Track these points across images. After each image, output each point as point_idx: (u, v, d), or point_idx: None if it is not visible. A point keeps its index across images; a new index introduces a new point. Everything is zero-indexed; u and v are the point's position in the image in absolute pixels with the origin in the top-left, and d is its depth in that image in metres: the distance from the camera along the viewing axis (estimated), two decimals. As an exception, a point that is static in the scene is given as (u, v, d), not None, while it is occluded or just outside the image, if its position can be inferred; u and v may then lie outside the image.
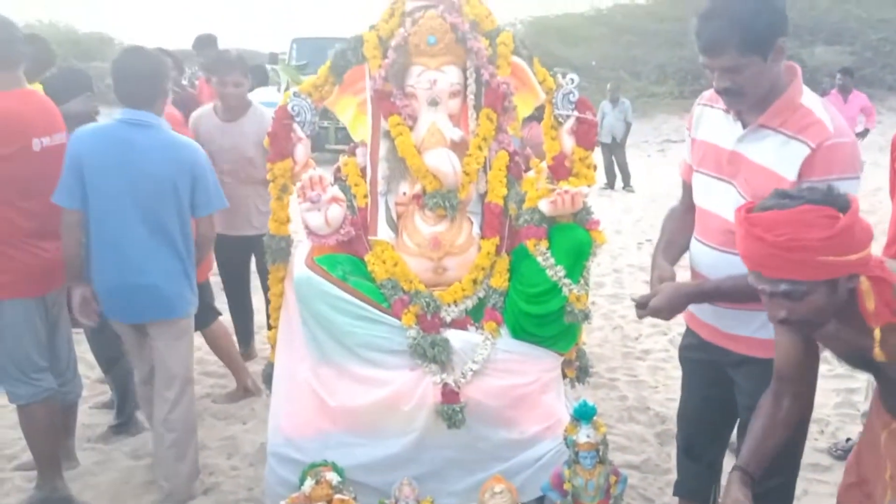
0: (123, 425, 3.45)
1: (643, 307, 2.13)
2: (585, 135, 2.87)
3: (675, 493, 2.63)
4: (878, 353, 1.52)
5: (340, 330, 2.64)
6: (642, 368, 4.30)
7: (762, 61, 1.87)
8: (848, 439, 3.37)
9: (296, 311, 2.74)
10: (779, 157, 1.93)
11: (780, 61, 1.93)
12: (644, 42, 19.04)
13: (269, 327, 3.03)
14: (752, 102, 1.96)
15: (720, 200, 2.08)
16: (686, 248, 2.30)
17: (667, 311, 2.09)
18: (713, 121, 2.13)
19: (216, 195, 2.87)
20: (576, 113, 2.87)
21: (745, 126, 2.01)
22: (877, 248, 1.61)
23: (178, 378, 2.88)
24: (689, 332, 2.38)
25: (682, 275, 2.24)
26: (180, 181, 2.73)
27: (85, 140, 2.67)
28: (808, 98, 1.97)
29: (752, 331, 2.09)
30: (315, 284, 2.62)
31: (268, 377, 3.06)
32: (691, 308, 2.30)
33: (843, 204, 1.48)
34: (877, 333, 1.51)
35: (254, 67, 5.66)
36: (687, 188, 2.29)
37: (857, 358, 1.66)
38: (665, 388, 3.99)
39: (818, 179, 1.83)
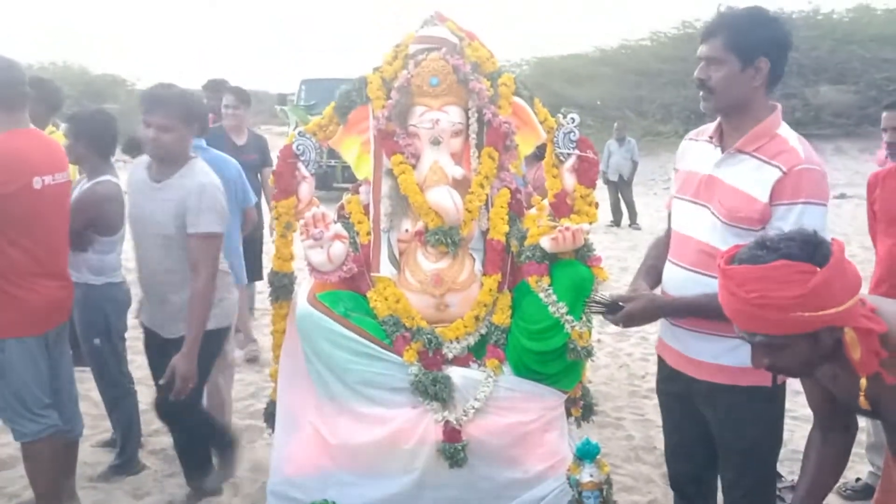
0: (125, 465, 3.42)
1: (615, 311, 2.12)
2: (586, 173, 2.91)
3: None
4: (862, 402, 1.51)
5: (341, 367, 2.64)
6: (649, 407, 4.25)
7: (739, 67, 1.99)
8: (858, 479, 3.31)
9: (299, 349, 2.74)
10: (752, 180, 2.00)
11: (756, 81, 2.02)
12: (648, 82, 19.27)
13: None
14: (724, 111, 2.06)
15: (695, 223, 2.14)
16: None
17: (639, 319, 2.12)
18: (695, 152, 2.22)
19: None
20: (577, 151, 2.90)
21: (723, 151, 2.10)
22: None
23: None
24: (660, 363, 2.37)
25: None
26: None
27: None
28: (785, 130, 2.07)
29: (715, 356, 2.09)
30: (317, 321, 2.63)
31: (269, 416, 3.05)
32: (660, 333, 2.31)
33: (822, 257, 1.42)
34: (862, 383, 1.49)
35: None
36: (669, 218, 2.35)
37: (853, 403, 1.64)
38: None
39: (788, 202, 1.93)
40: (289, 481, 2.63)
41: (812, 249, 1.43)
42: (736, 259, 1.50)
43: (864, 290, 1.55)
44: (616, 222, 10.81)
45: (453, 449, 2.57)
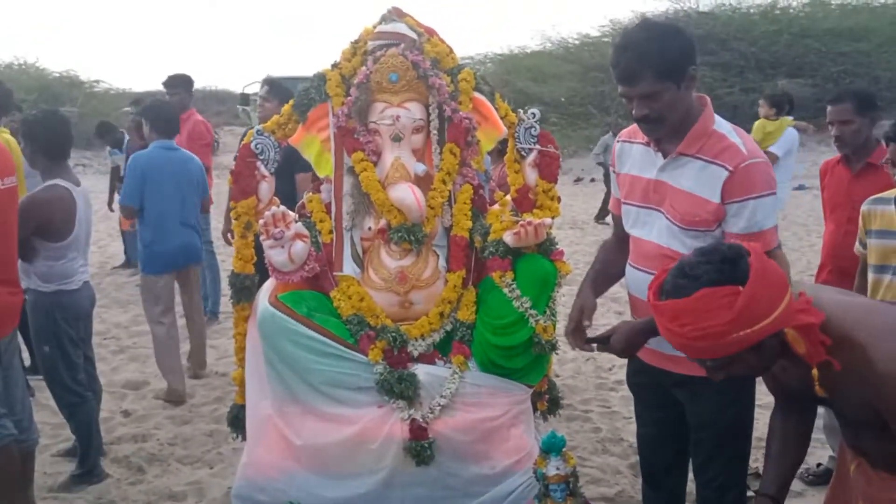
0: (86, 474, 3.34)
1: (604, 342, 2.14)
2: (548, 167, 2.92)
3: None
4: (818, 391, 1.53)
5: (305, 367, 2.61)
6: (616, 399, 4.29)
7: (676, 88, 1.98)
8: (819, 464, 3.38)
9: (260, 350, 2.70)
10: (700, 181, 2.03)
11: (692, 89, 2.03)
12: (611, 78, 19.38)
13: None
14: (670, 130, 2.05)
15: (650, 228, 2.16)
16: (616, 278, 2.39)
17: (626, 351, 2.13)
18: (634, 155, 2.22)
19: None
20: (538, 146, 2.91)
21: (664, 156, 2.10)
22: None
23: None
24: (632, 358, 2.36)
25: (607, 307, 2.26)
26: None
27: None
28: (720, 124, 2.08)
29: None
30: (279, 321, 2.60)
31: (233, 419, 3.01)
32: (633, 318, 2.32)
33: (741, 273, 1.42)
34: (814, 372, 1.52)
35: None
36: (618, 221, 2.37)
37: (811, 393, 1.67)
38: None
39: (740, 200, 1.97)
40: (254, 485, 2.59)
41: (730, 268, 1.43)
42: (663, 293, 1.50)
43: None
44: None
45: (420, 447, 2.55)
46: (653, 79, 1.95)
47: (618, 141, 2.31)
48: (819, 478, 3.27)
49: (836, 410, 1.63)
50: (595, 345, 2.17)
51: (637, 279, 2.22)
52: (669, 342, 1.54)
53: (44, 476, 3.38)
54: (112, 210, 7.67)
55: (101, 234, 8.54)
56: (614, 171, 2.32)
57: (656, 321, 1.53)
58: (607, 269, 2.37)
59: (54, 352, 3.20)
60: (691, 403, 2.19)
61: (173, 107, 4.92)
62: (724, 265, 1.44)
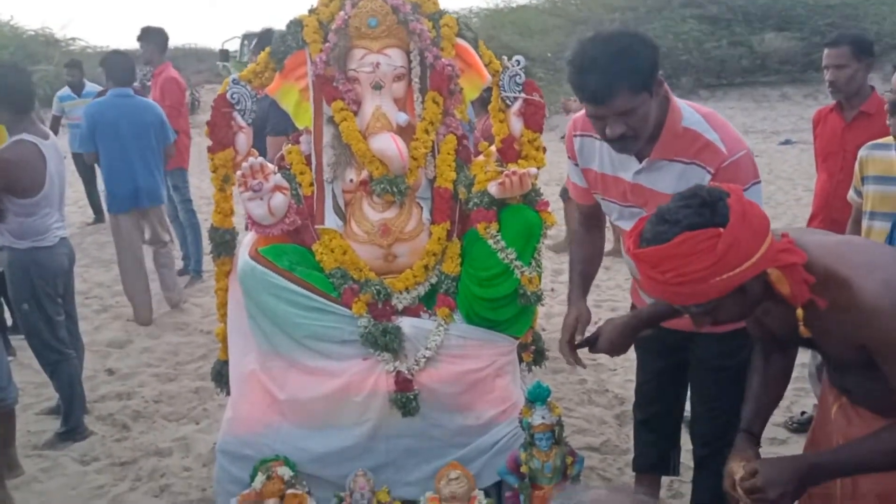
0: (71, 431, 3.33)
1: (591, 345, 2.13)
2: (533, 116, 2.85)
3: (633, 469, 2.64)
4: (803, 331, 1.51)
5: (288, 321, 2.57)
6: (601, 355, 4.30)
7: (650, 98, 1.86)
8: (803, 412, 3.42)
9: (242, 305, 2.66)
10: (681, 184, 1.89)
11: (659, 94, 1.91)
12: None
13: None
14: (646, 141, 1.94)
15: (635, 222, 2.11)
16: (595, 270, 2.38)
17: (613, 351, 2.11)
18: (600, 152, 2.12)
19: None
20: (523, 95, 2.84)
21: (639, 160, 2.01)
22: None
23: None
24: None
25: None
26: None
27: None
28: (689, 118, 1.97)
29: None
30: (259, 275, 2.55)
31: (217, 375, 2.99)
32: (641, 293, 2.32)
33: (721, 217, 1.39)
34: (799, 312, 1.50)
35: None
36: (584, 211, 2.34)
37: (794, 333, 1.66)
38: (624, 370, 3.99)
39: None
40: (239, 439, 2.58)
41: (710, 212, 1.39)
42: (643, 240, 1.46)
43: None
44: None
45: (405, 398, 2.55)
46: (629, 94, 1.81)
47: (575, 135, 2.19)
48: (803, 426, 3.31)
49: (822, 350, 1.62)
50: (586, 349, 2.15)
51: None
52: (650, 291, 1.51)
53: (28, 434, 3.36)
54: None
55: (80, 194, 8.40)
56: (574, 163, 2.23)
57: (637, 269, 1.50)
58: (588, 267, 2.33)
59: (33, 309, 3.15)
60: (698, 350, 2.22)
61: (130, 58, 5.03)
62: (703, 209, 1.40)
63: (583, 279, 2.31)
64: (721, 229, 1.38)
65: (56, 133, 7.41)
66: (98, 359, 4.25)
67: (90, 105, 4.85)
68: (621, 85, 1.80)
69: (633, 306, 2.45)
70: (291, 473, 2.45)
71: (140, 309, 4.81)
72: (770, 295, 1.49)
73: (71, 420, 3.32)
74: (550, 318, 4.87)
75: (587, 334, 2.19)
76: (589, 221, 2.35)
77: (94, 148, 4.69)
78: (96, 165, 7.32)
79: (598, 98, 1.84)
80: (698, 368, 2.27)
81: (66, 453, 3.23)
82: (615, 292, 5.35)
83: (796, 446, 3.22)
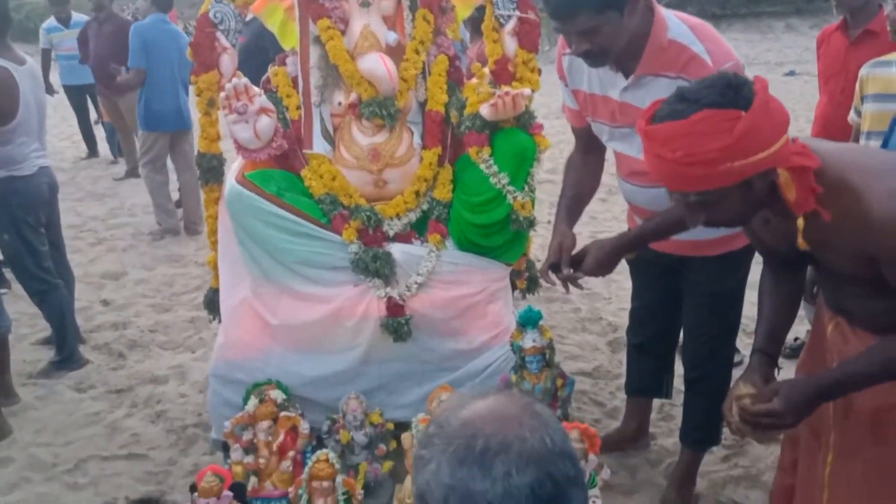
0: (66, 360, 3.35)
1: (576, 266, 2.04)
2: (528, 35, 2.75)
3: (626, 392, 2.67)
4: (801, 243, 1.47)
5: (278, 247, 2.54)
6: (596, 281, 4.25)
7: (619, 16, 1.78)
8: (796, 338, 3.42)
9: (232, 232, 2.63)
10: None
11: (636, 10, 1.81)
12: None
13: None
14: (621, 56, 1.87)
15: (630, 143, 2.05)
16: (589, 197, 2.29)
17: (599, 271, 2.04)
18: (588, 71, 2.04)
19: None
20: (517, 13, 2.73)
21: (626, 75, 1.94)
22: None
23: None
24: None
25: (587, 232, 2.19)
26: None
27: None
28: (675, 30, 1.88)
29: (696, 235, 2.06)
30: (246, 200, 2.50)
31: (209, 303, 2.97)
32: (636, 219, 2.28)
33: (745, 100, 1.33)
34: (800, 222, 1.45)
35: None
36: (579, 134, 2.25)
37: (791, 248, 1.62)
38: (618, 298, 4.00)
39: None
40: (231, 364, 2.59)
41: (734, 93, 1.34)
42: (657, 117, 1.40)
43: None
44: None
45: (397, 323, 2.54)
46: (590, 13, 1.74)
47: (564, 53, 2.10)
48: (795, 352, 3.31)
49: (819, 266, 1.59)
50: (572, 272, 2.05)
51: (634, 192, 2.16)
52: (654, 171, 1.44)
53: (23, 363, 3.38)
54: (52, 94, 7.54)
55: (74, 129, 8.30)
56: (564, 84, 2.16)
57: (645, 149, 1.43)
58: (578, 194, 2.25)
59: (14, 240, 3.12)
60: (691, 274, 2.20)
61: None
62: (727, 90, 1.35)
63: (571, 203, 2.23)
64: (742, 112, 1.32)
65: (48, 68, 7.28)
66: (93, 290, 4.25)
67: (139, 25, 5.17)
68: (582, 3, 1.74)
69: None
70: (284, 396, 2.46)
71: (167, 227, 5.20)
72: (773, 200, 1.44)
73: (65, 349, 3.34)
74: (545, 248, 4.84)
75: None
76: (583, 146, 2.28)
77: (145, 65, 4.96)
78: (88, 98, 7.29)
79: (559, 15, 1.80)
80: (690, 292, 2.26)
81: (61, 381, 3.26)
82: (612, 224, 5.31)
83: (789, 373, 3.24)
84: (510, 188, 2.58)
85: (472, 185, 2.62)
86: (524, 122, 2.65)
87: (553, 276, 2.10)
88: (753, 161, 1.34)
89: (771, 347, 1.69)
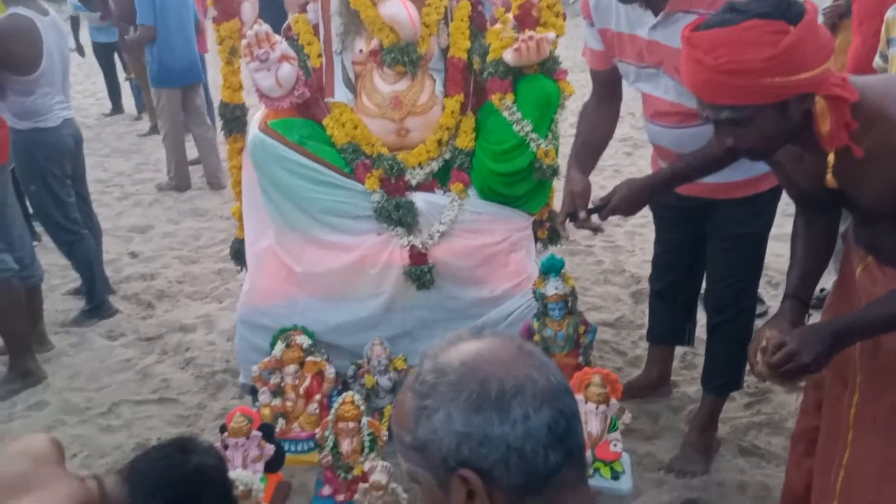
0: (96, 309, 3.42)
1: (603, 207, 1.98)
2: (553, -21, 2.69)
3: (648, 340, 2.67)
4: (829, 180, 1.43)
5: (301, 196, 2.56)
6: (619, 234, 4.27)
7: None
8: (822, 289, 3.38)
9: (256, 181, 2.64)
10: None
11: None
12: None
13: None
14: None
15: (657, 84, 2.02)
16: (603, 145, 2.23)
17: (627, 208, 1.99)
18: (616, 9, 2.00)
19: None
20: (542, -44, 2.66)
21: (655, 13, 1.90)
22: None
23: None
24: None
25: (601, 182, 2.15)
26: None
27: None
28: None
29: (722, 177, 2.04)
30: (269, 148, 2.51)
31: (236, 253, 3.02)
32: (660, 161, 2.26)
33: (794, 14, 1.30)
34: (830, 158, 1.41)
35: None
36: (599, 78, 2.19)
37: (820, 187, 1.59)
38: (641, 251, 3.97)
39: None
40: (257, 310, 2.63)
41: (785, 7, 1.32)
42: (703, 25, 1.38)
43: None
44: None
45: (420, 271, 2.55)
46: None
47: None
48: (821, 302, 3.27)
49: (851, 203, 1.55)
50: (598, 218, 1.99)
51: (659, 133, 2.12)
52: (692, 79, 1.41)
53: (56, 313, 3.47)
54: (82, 55, 7.80)
55: (98, 87, 8.34)
56: (590, 24, 2.11)
57: (686, 56, 1.40)
58: (593, 140, 2.19)
59: (40, 190, 3.17)
60: (716, 218, 2.17)
61: None
62: (779, 3, 1.32)
63: (584, 150, 2.17)
64: (791, 26, 1.29)
65: (77, 29, 7.38)
66: (121, 243, 4.33)
67: None
68: None
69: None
70: (310, 342, 2.51)
71: (180, 174, 5.25)
72: (804, 132, 1.41)
73: (95, 298, 3.41)
74: (569, 202, 4.81)
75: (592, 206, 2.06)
76: (601, 92, 2.22)
77: (153, 21, 4.90)
78: (116, 55, 7.33)
79: None
80: (714, 236, 2.23)
81: (92, 329, 3.34)
82: (636, 175, 5.24)
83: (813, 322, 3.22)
84: (533, 136, 2.56)
85: (495, 132, 2.60)
86: (548, 68, 2.61)
87: (570, 225, 2.06)
88: (794, 80, 1.31)
89: (802, 292, 1.67)
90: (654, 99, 2.06)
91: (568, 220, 2.05)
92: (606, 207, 1.96)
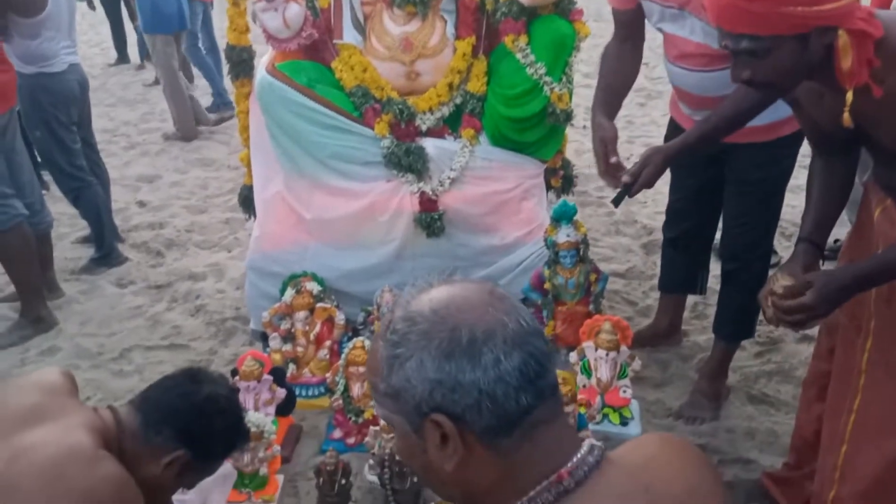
0: (105, 257, 3.42)
1: (630, 188, 1.87)
2: (568, -86, 2.59)
3: (659, 288, 2.65)
4: (846, 118, 1.38)
5: (309, 141, 2.52)
6: (631, 185, 4.22)
7: None
8: (836, 240, 3.34)
9: (264, 126, 2.60)
10: None
11: None
12: None
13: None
14: None
15: (682, 25, 1.94)
16: (627, 88, 2.15)
17: (655, 181, 1.89)
18: None
19: None
20: None
21: None
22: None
23: None
24: (676, 128, 2.27)
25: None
26: None
27: None
28: None
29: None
30: (277, 91, 2.47)
31: (244, 200, 2.99)
32: (680, 105, 2.20)
33: None
34: (849, 96, 1.36)
35: None
36: (621, 19, 2.10)
37: (840, 127, 1.54)
38: (654, 202, 3.92)
39: None
40: (267, 256, 2.62)
41: None
42: None
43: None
44: None
45: (430, 218, 2.53)
46: None
47: None
48: (835, 253, 3.24)
49: (870, 143, 1.51)
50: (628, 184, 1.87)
51: (682, 75, 2.06)
52: (713, 8, 1.35)
53: (65, 261, 3.47)
54: (92, 8, 7.79)
55: (103, 37, 8.22)
56: None
57: None
58: (615, 83, 2.11)
59: (45, 137, 3.14)
60: (736, 162, 2.12)
61: None
62: None
63: (608, 95, 2.09)
64: None
65: None
66: (129, 192, 4.30)
67: None
68: None
69: (671, 122, 2.33)
70: (320, 288, 2.50)
71: (185, 122, 5.20)
72: (824, 68, 1.36)
73: (104, 246, 3.41)
74: (581, 154, 4.74)
75: (624, 163, 1.98)
76: (623, 34, 2.15)
77: None
78: (122, 4, 7.21)
79: None
80: (734, 181, 2.19)
81: (102, 277, 3.34)
82: (649, 128, 5.16)
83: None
84: (547, 79, 2.50)
85: (508, 76, 2.55)
86: (563, 8, 2.54)
87: (609, 180, 1.97)
88: (818, 10, 1.26)
89: (817, 236, 1.64)
90: (678, 40, 1.99)
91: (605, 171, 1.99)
92: (637, 184, 1.85)
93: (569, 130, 2.88)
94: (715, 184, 2.25)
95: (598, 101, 2.09)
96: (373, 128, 2.54)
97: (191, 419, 1.30)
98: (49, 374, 1.37)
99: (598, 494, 0.75)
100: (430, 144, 2.56)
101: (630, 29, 2.14)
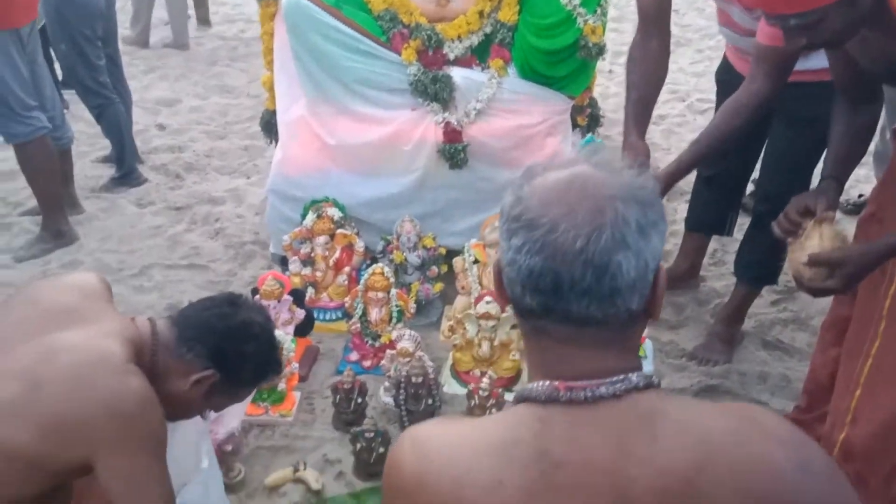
0: (125, 177, 3.43)
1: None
2: None
3: (686, 226, 2.63)
4: None
5: (336, 64, 2.48)
6: (656, 132, 4.15)
7: None
8: (860, 195, 3.30)
9: (289, 48, 2.56)
10: None
11: None
12: None
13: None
14: None
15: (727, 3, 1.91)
16: (655, 94, 2.00)
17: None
18: None
19: None
20: None
21: None
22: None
23: None
24: (727, 63, 2.28)
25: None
26: None
27: None
28: None
29: (797, 65, 1.93)
30: (305, 10, 2.42)
31: (266, 125, 2.97)
32: (734, 44, 2.17)
33: None
34: None
35: None
36: (645, 10, 1.95)
37: (881, 66, 1.50)
38: (677, 150, 3.86)
39: None
40: (289, 180, 2.61)
41: None
42: None
43: None
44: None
45: (454, 149, 2.50)
46: None
47: None
48: (858, 208, 3.21)
49: None
50: None
51: (731, 36, 2.06)
52: None
53: (85, 179, 3.48)
54: None
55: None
56: None
57: None
58: (645, 94, 1.94)
59: (70, 51, 3.12)
60: (786, 101, 2.00)
61: None
62: None
63: (639, 108, 1.92)
64: None
65: None
66: (148, 115, 4.28)
67: None
68: None
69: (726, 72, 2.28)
70: (341, 214, 2.50)
71: (181, 33, 5.36)
72: (877, 14, 1.32)
73: (124, 165, 3.41)
74: (606, 98, 4.66)
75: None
76: (649, 28, 1.98)
77: None
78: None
79: None
80: (781, 119, 2.14)
81: (123, 196, 3.36)
82: (677, 76, 5.05)
83: (850, 227, 3.16)
84: (581, 10, 2.44)
85: (541, 5, 2.48)
86: (601, -62, 2.45)
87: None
88: None
89: (841, 173, 1.65)
90: (727, 15, 1.97)
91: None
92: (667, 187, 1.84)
93: (599, 64, 2.83)
94: (760, 122, 2.18)
95: (630, 116, 1.94)
96: (400, 53, 2.49)
97: (223, 340, 1.31)
98: (88, 277, 1.37)
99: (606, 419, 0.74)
100: (457, 74, 2.52)
101: (655, 22, 1.98)
